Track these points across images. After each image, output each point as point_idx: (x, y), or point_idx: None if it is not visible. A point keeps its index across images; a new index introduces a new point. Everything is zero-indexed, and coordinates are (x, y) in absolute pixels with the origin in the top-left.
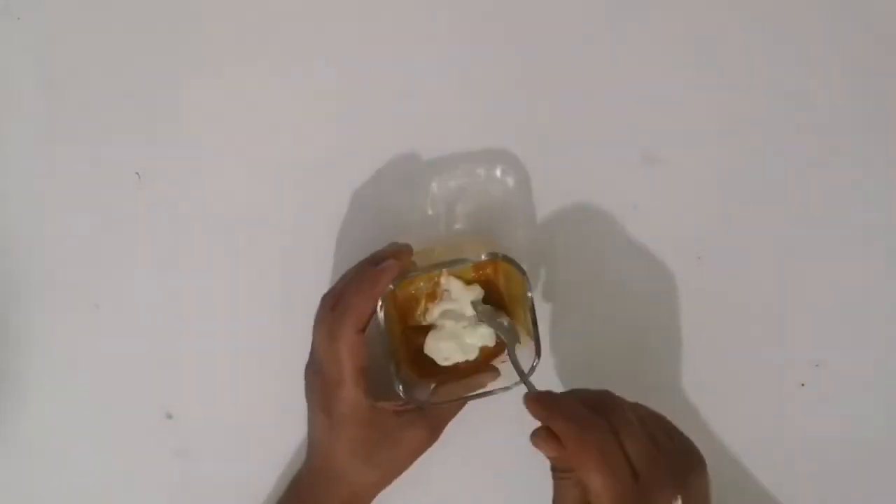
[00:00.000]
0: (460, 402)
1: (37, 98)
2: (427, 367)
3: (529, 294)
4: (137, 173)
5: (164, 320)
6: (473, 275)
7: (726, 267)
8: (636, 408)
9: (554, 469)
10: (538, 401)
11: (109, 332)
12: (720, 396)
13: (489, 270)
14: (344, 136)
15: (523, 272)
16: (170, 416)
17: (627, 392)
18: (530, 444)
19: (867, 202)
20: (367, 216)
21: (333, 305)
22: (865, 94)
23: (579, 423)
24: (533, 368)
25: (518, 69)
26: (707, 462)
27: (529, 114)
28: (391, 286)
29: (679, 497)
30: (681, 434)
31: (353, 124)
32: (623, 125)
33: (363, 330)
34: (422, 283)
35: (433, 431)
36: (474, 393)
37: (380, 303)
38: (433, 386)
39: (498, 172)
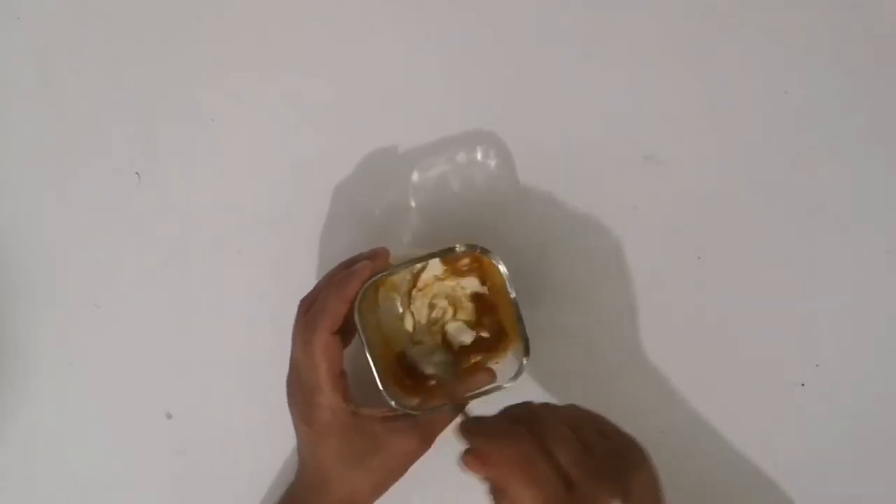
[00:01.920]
0: (454, 410)
1: (37, 98)
2: (416, 378)
3: (511, 290)
4: (137, 173)
5: (163, 320)
6: (457, 268)
7: (726, 267)
8: (567, 411)
9: (490, 492)
10: (461, 426)
11: (109, 332)
12: (720, 396)
13: (475, 265)
14: (345, 136)
15: (500, 264)
16: (170, 416)
17: (626, 393)
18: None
19: (867, 202)
20: (369, 215)
21: (307, 311)
22: (866, 94)
23: (499, 437)
24: (521, 368)
25: (517, 69)
26: (706, 462)
27: (529, 114)
28: (365, 286)
29: (618, 501)
30: (618, 431)
31: (355, 123)
32: (623, 125)
33: (338, 333)
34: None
35: (424, 440)
36: (465, 396)
37: (356, 306)
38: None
39: (497, 173)
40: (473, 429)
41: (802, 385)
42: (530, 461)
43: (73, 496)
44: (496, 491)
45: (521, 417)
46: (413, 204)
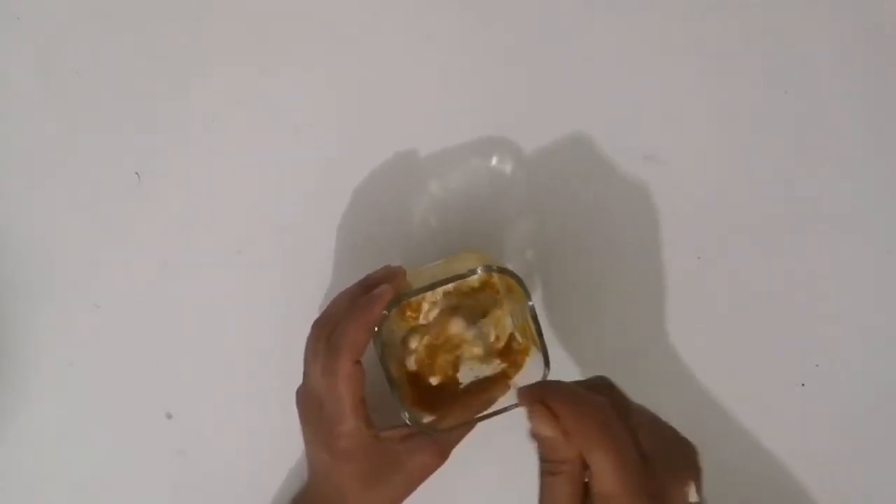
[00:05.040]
0: (470, 424)
1: (37, 98)
2: (432, 392)
3: (530, 304)
4: (137, 173)
5: (164, 320)
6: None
7: (726, 267)
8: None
9: (544, 461)
10: (530, 388)
11: (109, 332)
12: (720, 397)
13: (491, 282)
14: (345, 136)
15: (521, 283)
16: (170, 416)
17: (627, 392)
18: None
19: (867, 202)
20: (368, 215)
21: (327, 336)
22: (866, 94)
23: (578, 398)
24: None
25: (517, 70)
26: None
27: (528, 115)
28: (386, 312)
29: (692, 484)
30: (671, 425)
31: (355, 124)
32: (623, 125)
33: (360, 361)
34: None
35: (440, 455)
36: (483, 413)
37: (376, 330)
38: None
39: (497, 173)
40: (544, 391)
41: (802, 385)
42: (610, 425)
43: (73, 496)
44: (552, 462)
45: (600, 387)
46: (416, 203)
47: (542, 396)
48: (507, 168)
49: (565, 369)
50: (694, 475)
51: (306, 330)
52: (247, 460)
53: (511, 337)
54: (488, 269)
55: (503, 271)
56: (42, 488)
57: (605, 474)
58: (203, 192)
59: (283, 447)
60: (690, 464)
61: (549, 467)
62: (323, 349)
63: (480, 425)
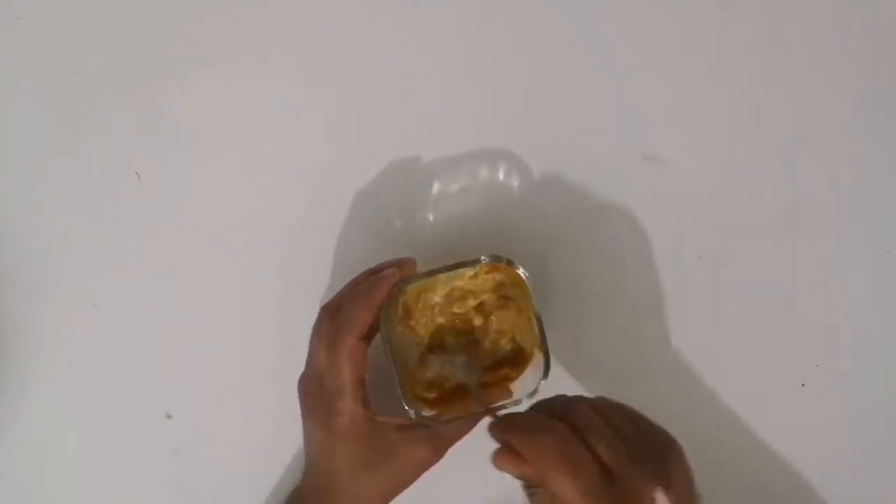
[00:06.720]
0: (469, 423)
1: (37, 98)
2: (436, 387)
3: (533, 303)
4: (137, 173)
5: (163, 320)
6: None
7: (726, 267)
8: (597, 403)
9: (526, 487)
10: (492, 426)
11: (109, 332)
12: (720, 397)
13: (499, 276)
14: (345, 138)
15: (526, 277)
16: (169, 416)
17: (626, 393)
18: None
19: (867, 202)
20: (367, 217)
21: (333, 315)
22: (866, 94)
23: (534, 429)
24: (538, 387)
25: (517, 70)
26: (706, 462)
27: (529, 115)
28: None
29: (660, 489)
30: (648, 421)
31: (355, 125)
32: (623, 125)
33: (364, 338)
34: (436, 298)
35: (437, 450)
36: (482, 409)
37: (382, 314)
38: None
39: (498, 174)
40: (504, 427)
41: (802, 385)
42: (566, 450)
43: (73, 496)
44: (532, 487)
45: (554, 410)
46: (417, 205)
47: (501, 433)
48: (507, 168)
49: (564, 370)
50: (662, 479)
51: (306, 330)
52: (246, 460)
53: (513, 340)
54: (495, 258)
55: (510, 263)
56: (42, 488)
57: (567, 499)
58: (203, 193)
59: (281, 447)
60: (659, 467)
61: (528, 491)
62: (327, 327)
63: (478, 430)
